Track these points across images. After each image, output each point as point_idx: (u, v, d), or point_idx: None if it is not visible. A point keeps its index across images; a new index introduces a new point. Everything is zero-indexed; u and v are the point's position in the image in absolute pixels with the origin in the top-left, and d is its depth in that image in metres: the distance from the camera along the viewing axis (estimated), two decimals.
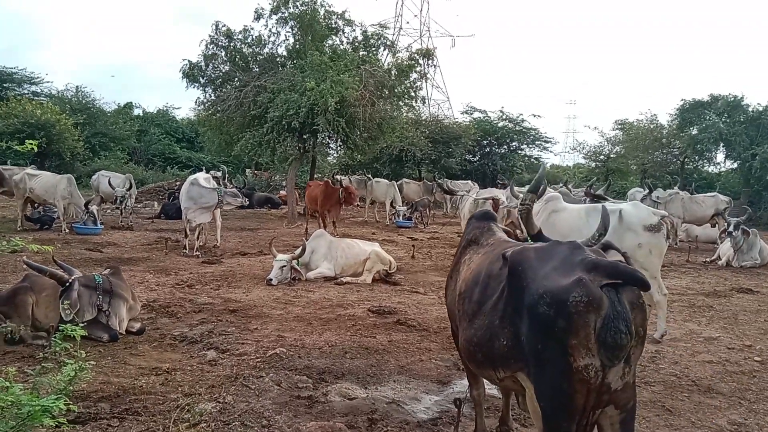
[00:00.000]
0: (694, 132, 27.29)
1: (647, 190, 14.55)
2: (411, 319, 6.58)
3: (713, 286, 9.69)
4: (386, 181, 21.00)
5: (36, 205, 14.08)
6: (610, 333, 2.28)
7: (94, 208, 13.41)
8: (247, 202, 11.20)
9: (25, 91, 30.87)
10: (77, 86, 31.77)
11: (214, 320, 6.29)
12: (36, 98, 29.06)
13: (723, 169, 30.15)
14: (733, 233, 11.75)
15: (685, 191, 16.13)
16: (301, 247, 8.76)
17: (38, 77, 32.07)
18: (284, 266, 8.41)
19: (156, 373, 4.62)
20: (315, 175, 20.88)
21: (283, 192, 23.78)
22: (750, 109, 26.15)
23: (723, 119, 26.34)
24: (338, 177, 23.05)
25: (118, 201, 14.78)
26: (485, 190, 12.87)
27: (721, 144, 26.37)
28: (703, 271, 11.38)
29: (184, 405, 3.96)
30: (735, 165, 27.66)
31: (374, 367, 5.02)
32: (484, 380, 3.55)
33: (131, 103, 37.39)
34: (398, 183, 21.05)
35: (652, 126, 29.94)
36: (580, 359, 2.32)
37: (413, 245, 12.76)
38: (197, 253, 10.65)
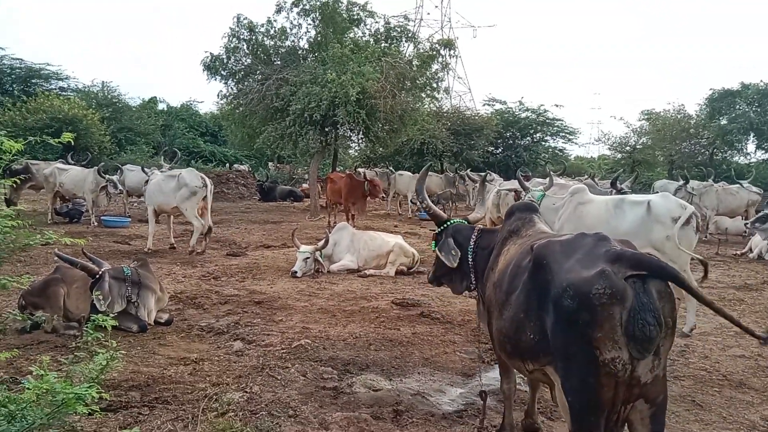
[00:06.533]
0: (724, 122, 26.65)
1: (682, 182, 14.21)
2: (435, 312, 6.57)
3: (744, 279, 9.47)
4: (409, 173, 20.88)
5: (66, 199, 14.35)
6: (638, 325, 2.25)
7: (114, 177, 14.12)
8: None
9: (53, 87, 31.27)
10: (103, 81, 32.18)
11: (239, 312, 6.36)
12: (63, 94, 29.50)
13: (753, 160, 29.40)
14: None
15: (720, 183, 15.75)
16: (324, 239, 8.79)
17: (65, 73, 32.59)
18: (308, 258, 8.45)
19: (184, 363, 4.69)
20: (337, 168, 20.88)
21: (305, 185, 23.85)
22: None
23: (753, 108, 25.66)
24: (360, 170, 23.10)
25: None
26: (508, 182, 12.73)
27: (752, 133, 25.72)
28: (733, 264, 11.12)
29: (212, 394, 4.02)
30: (766, 156, 26.97)
31: (398, 359, 5.03)
32: (516, 374, 3.53)
33: (155, 98, 37.74)
34: None
35: (679, 116, 29.26)
36: (606, 352, 2.29)
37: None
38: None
